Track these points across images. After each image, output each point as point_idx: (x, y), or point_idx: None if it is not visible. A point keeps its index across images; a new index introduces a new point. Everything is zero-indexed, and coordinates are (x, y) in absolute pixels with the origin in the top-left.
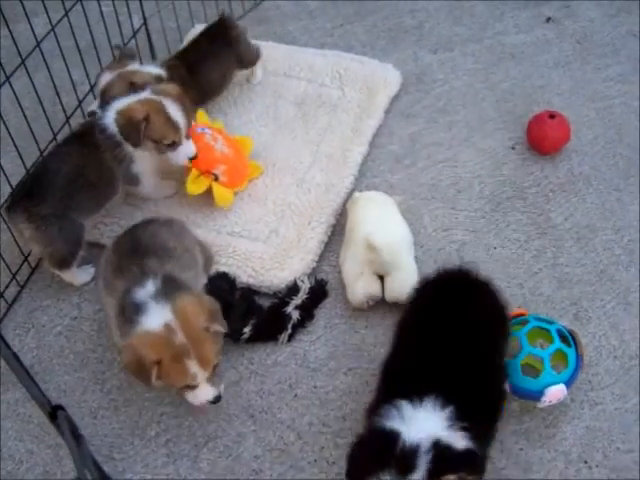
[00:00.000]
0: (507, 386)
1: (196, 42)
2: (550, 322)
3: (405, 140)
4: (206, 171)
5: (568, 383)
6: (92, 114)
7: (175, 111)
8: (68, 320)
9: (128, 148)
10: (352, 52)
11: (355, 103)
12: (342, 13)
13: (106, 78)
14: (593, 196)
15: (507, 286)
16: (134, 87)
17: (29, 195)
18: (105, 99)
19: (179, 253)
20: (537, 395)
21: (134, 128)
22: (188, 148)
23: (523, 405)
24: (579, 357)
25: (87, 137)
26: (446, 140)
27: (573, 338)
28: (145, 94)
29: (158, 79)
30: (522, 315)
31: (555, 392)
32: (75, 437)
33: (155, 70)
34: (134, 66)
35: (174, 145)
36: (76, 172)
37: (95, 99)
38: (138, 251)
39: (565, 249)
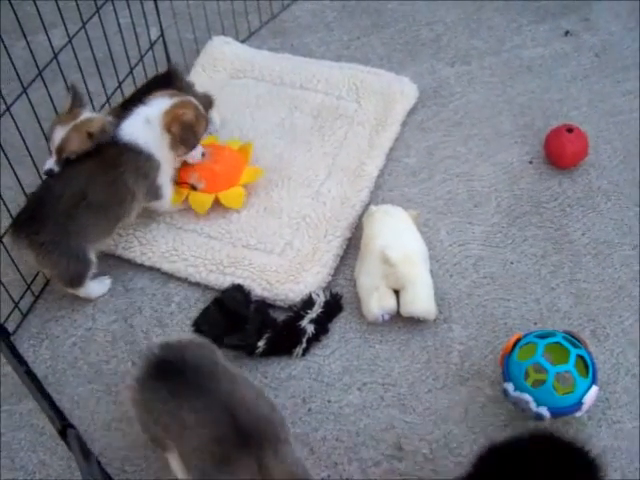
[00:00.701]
0: (545, 412)
1: (141, 92)
2: (550, 333)
3: (421, 153)
4: (182, 182)
5: (596, 381)
6: (50, 173)
7: (201, 108)
8: (82, 331)
9: (157, 158)
10: (369, 65)
11: (371, 116)
12: (359, 25)
13: (60, 133)
14: (611, 211)
15: (523, 302)
16: (91, 137)
17: (29, 221)
18: (62, 156)
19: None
20: (577, 407)
21: (191, 131)
22: (199, 151)
23: (539, 424)
24: (590, 352)
25: (96, 156)
26: (463, 154)
27: (575, 337)
28: (165, 98)
29: (110, 126)
30: (519, 339)
31: (592, 396)
32: (85, 455)
33: (106, 118)
34: (85, 114)
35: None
36: (81, 195)
37: (51, 155)
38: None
39: (583, 265)
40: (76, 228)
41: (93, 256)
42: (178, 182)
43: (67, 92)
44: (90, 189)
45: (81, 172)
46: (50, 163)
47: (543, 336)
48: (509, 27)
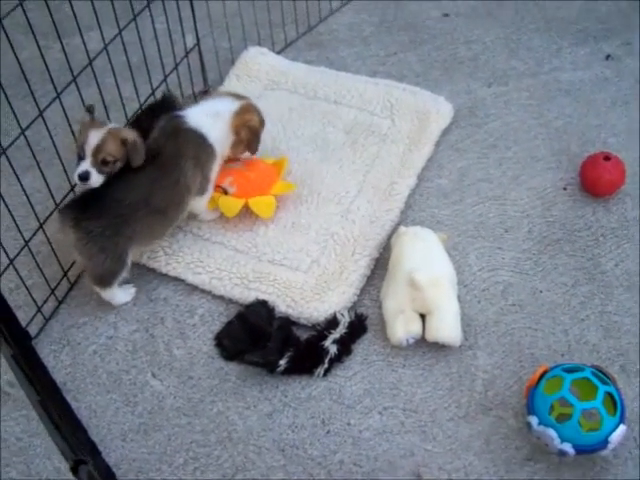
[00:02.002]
0: (569, 449)
1: (138, 119)
2: (578, 368)
3: (454, 174)
4: (216, 187)
5: (624, 419)
6: (85, 175)
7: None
8: (104, 339)
9: (217, 150)
10: (404, 81)
11: (405, 134)
12: (396, 41)
13: (96, 136)
14: None
15: (551, 332)
16: (125, 144)
17: (85, 206)
18: (98, 158)
19: None
20: (603, 445)
21: (257, 136)
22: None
23: (563, 460)
24: (619, 390)
25: (155, 161)
26: (496, 177)
27: (603, 373)
28: (231, 99)
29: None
30: (545, 371)
31: (619, 435)
32: None
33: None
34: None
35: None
36: (144, 202)
37: (84, 157)
38: None
39: (614, 297)
40: (130, 232)
41: (130, 260)
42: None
43: (85, 111)
44: (153, 195)
45: (143, 178)
46: (85, 165)
47: (570, 370)
48: (549, 49)
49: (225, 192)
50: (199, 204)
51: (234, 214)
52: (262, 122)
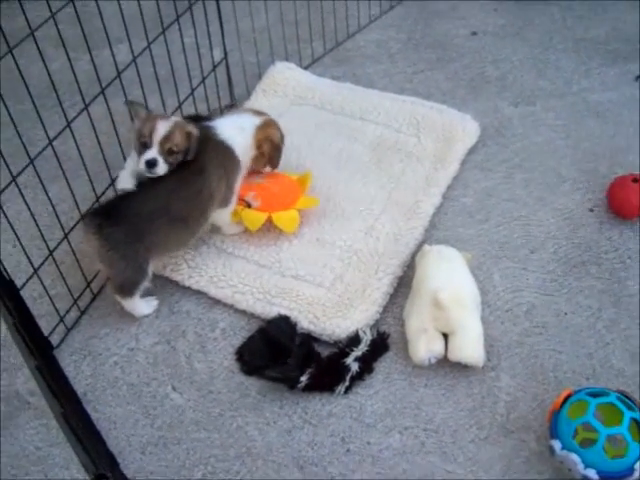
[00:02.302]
0: (593, 475)
1: None
2: (603, 392)
3: (479, 194)
4: (240, 200)
5: None
6: (153, 162)
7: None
8: (125, 350)
9: (242, 162)
10: (431, 99)
11: (431, 152)
12: (424, 59)
13: (164, 126)
14: None
15: (576, 355)
16: (189, 138)
17: (109, 213)
18: (165, 147)
19: None
20: (628, 472)
21: (279, 150)
22: None
23: None
24: None
25: (179, 171)
26: (522, 197)
27: (629, 398)
28: (252, 114)
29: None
30: (569, 395)
31: None
32: None
33: None
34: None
35: None
36: (163, 211)
37: (149, 145)
38: None
39: None
40: (151, 241)
41: (151, 269)
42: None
43: (126, 106)
44: (175, 205)
45: (165, 187)
46: (153, 152)
47: (595, 394)
48: (577, 69)
49: (248, 206)
50: (222, 216)
51: (257, 227)
52: (283, 137)
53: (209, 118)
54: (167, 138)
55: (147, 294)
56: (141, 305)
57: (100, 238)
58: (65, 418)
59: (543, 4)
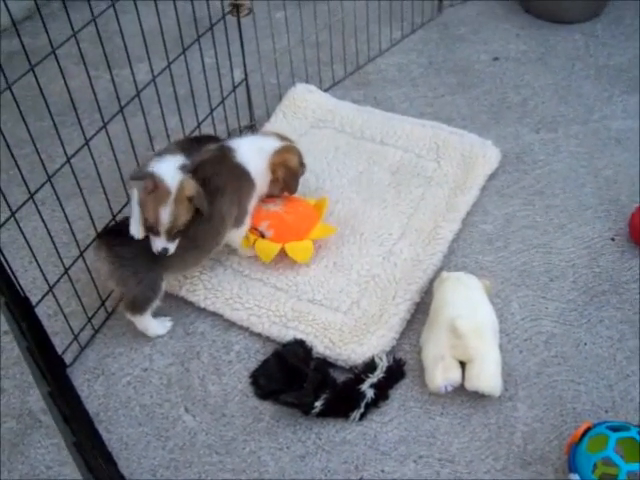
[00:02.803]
0: None
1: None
2: (623, 427)
3: (499, 220)
4: (253, 228)
5: None
6: (165, 252)
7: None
8: (138, 371)
9: (257, 185)
10: (452, 124)
11: (451, 177)
12: (445, 83)
13: (166, 213)
14: None
15: (595, 387)
16: (191, 201)
17: (117, 233)
18: (173, 232)
19: None
20: None
21: (295, 176)
22: None
23: None
24: None
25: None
26: (542, 224)
27: None
28: (276, 138)
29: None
30: (588, 428)
31: None
32: None
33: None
34: (170, 182)
35: None
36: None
37: (158, 234)
38: None
39: None
40: (163, 260)
41: (164, 287)
42: (250, 230)
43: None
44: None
45: None
46: (162, 243)
47: (615, 428)
48: (599, 96)
49: (262, 235)
50: (235, 237)
51: (270, 259)
52: (302, 164)
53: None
54: (172, 225)
55: (161, 314)
56: (154, 324)
57: (111, 255)
58: (77, 447)
59: (566, 30)
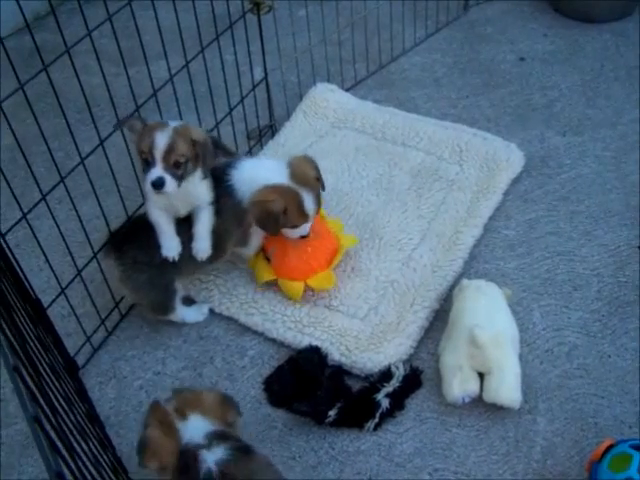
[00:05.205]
0: None
1: None
2: None
3: (522, 226)
4: (263, 249)
5: None
6: (160, 181)
7: (309, 202)
8: (150, 374)
9: None
10: (475, 126)
11: (473, 181)
12: (469, 84)
13: (163, 138)
14: None
15: (619, 401)
16: (195, 145)
17: (126, 237)
18: (170, 161)
19: None
20: None
21: (272, 220)
22: (304, 229)
23: None
24: None
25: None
26: (566, 231)
27: None
28: (283, 179)
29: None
30: (611, 445)
31: None
32: None
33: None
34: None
35: (295, 227)
36: (187, 241)
37: (154, 164)
38: None
39: None
40: (172, 265)
41: (179, 286)
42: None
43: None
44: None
45: (188, 223)
46: (158, 171)
47: (639, 447)
48: (629, 99)
49: (267, 259)
50: (243, 255)
51: (299, 297)
52: (292, 209)
53: (228, 150)
54: (169, 150)
55: (201, 301)
56: (189, 313)
57: (123, 263)
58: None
59: (595, 30)
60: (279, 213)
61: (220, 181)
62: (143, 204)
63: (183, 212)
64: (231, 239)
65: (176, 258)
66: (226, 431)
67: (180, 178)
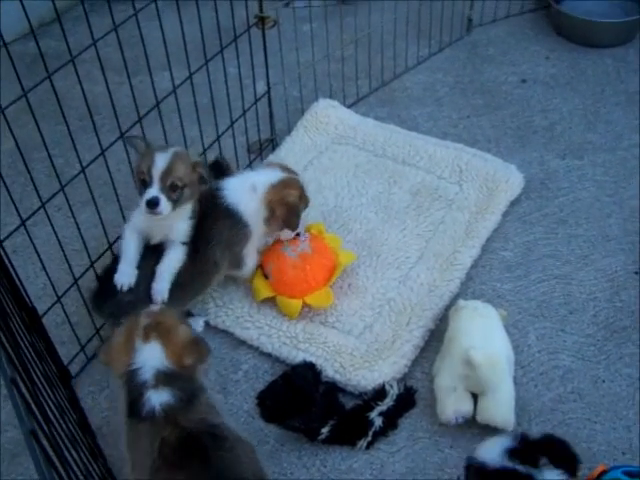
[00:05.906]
0: None
1: None
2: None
3: (520, 248)
4: (261, 266)
5: None
6: (155, 200)
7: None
8: None
9: (251, 228)
10: (476, 147)
11: (472, 201)
12: (470, 104)
13: (163, 159)
14: None
15: (612, 427)
16: (195, 169)
17: (110, 293)
18: (167, 183)
19: None
20: None
21: (295, 212)
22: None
23: None
24: None
25: (196, 233)
26: (564, 254)
27: None
28: (277, 171)
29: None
30: (604, 471)
31: None
32: None
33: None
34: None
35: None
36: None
37: (150, 184)
38: None
39: None
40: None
41: None
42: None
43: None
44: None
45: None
46: (154, 191)
47: (632, 474)
48: (629, 124)
49: (265, 276)
50: (241, 275)
51: (297, 314)
52: (303, 198)
53: (227, 166)
54: (168, 172)
55: (196, 314)
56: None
57: (110, 310)
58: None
59: (597, 54)
60: (298, 203)
61: (213, 206)
62: None
63: (155, 240)
64: (219, 271)
65: (125, 288)
66: (178, 372)
67: (175, 201)
